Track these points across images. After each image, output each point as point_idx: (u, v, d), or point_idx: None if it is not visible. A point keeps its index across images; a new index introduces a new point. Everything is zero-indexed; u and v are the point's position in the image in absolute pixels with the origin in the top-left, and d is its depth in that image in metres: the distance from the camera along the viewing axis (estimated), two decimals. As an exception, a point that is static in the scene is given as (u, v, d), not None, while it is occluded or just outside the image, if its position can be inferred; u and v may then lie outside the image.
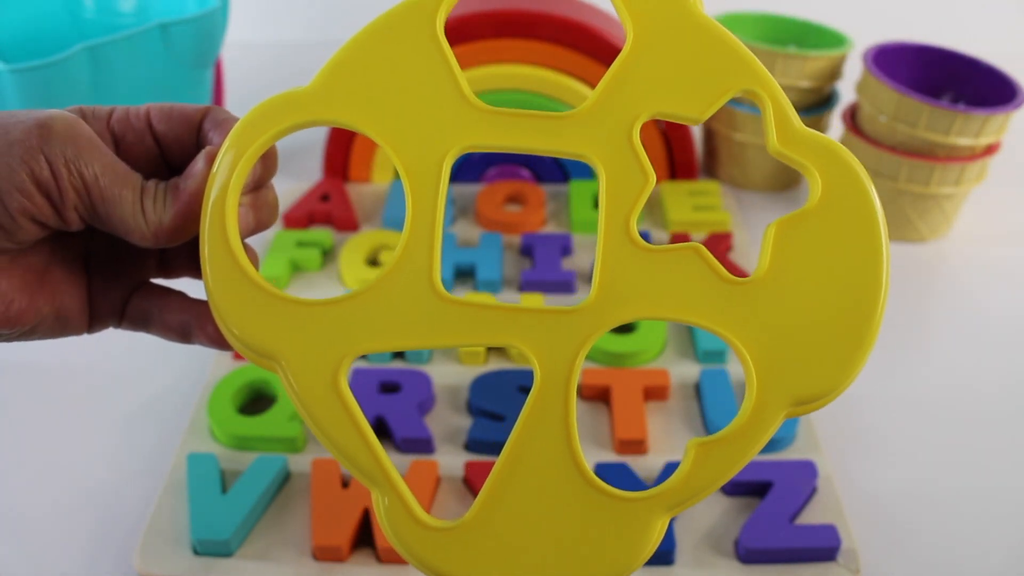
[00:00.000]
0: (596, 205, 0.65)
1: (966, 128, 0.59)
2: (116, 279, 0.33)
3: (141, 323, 0.33)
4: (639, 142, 0.30)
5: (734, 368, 0.51)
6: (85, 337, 0.33)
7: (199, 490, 0.42)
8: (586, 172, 0.66)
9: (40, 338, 0.31)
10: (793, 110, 0.30)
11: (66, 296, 0.31)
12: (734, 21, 0.72)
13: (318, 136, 0.73)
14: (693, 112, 0.30)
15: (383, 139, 0.30)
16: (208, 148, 0.30)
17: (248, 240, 0.32)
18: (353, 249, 0.59)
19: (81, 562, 0.41)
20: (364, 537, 0.41)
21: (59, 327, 0.31)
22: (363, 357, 0.52)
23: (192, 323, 0.32)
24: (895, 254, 0.64)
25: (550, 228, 0.63)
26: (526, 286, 0.57)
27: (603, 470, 0.44)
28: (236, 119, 0.31)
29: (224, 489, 0.43)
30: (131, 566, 0.41)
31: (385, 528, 0.29)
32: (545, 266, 0.58)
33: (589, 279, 0.58)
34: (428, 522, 0.29)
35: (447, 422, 0.47)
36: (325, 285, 0.58)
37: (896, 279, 0.62)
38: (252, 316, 0.29)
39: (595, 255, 0.30)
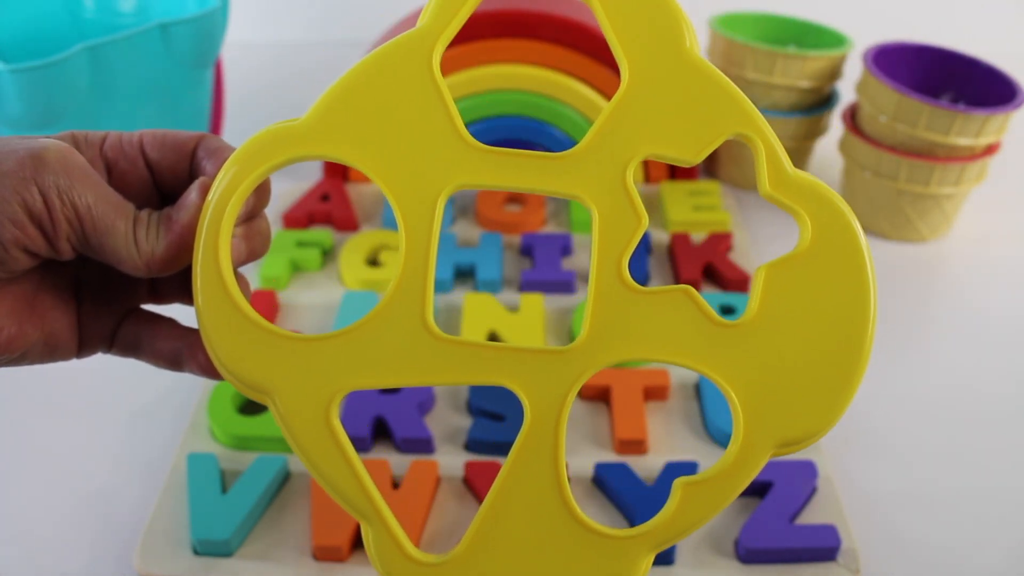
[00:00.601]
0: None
1: (966, 128, 0.59)
2: (106, 305, 0.33)
3: (131, 349, 0.33)
4: (633, 184, 0.30)
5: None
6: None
7: (199, 490, 0.42)
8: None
9: (28, 363, 0.31)
10: (785, 154, 0.31)
11: (55, 323, 0.31)
12: (734, 21, 0.72)
13: (318, 136, 0.73)
14: (687, 155, 0.30)
15: (377, 176, 0.30)
16: (202, 179, 0.30)
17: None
18: (353, 249, 0.59)
19: (81, 562, 0.41)
20: (364, 538, 0.41)
21: (48, 353, 0.31)
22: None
23: (183, 351, 0.32)
24: (895, 254, 0.64)
25: (550, 228, 0.63)
26: (526, 286, 0.57)
27: (603, 470, 0.44)
28: (230, 148, 0.31)
29: (224, 489, 0.43)
30: (131, 566, 0.41)
31: (374, 561, 0.30)
32: (545, 266, 0.58)
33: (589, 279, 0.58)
34: (417, 556, 0.30)
35: (447, 422, 0.47)
36: (325, 285, 0.58)
37: (896, 279, 0.63)
38: (244, 350, 0.30)
39: (588, 294, 0.31)
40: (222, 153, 0.31)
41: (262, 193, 0.32)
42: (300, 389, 0.30)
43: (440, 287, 0.57)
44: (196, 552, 0.40)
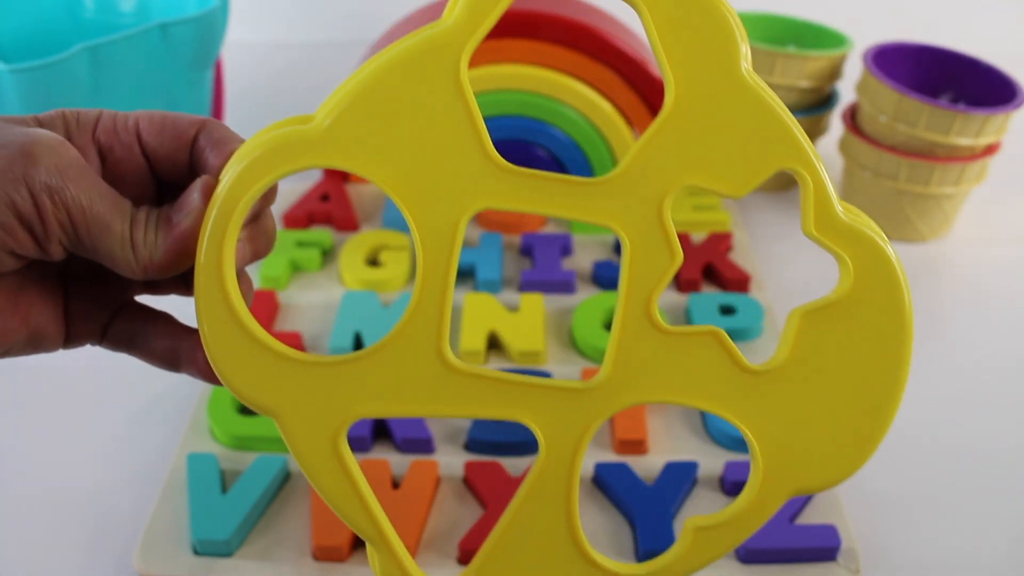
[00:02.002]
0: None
1: (966, 128, 0.59)
2: (97, 298, 0.31)
3: (124, 345, 0.31)
4: (669, 218, 0.28)
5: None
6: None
7: (199, 490, 0.42)
8: (586, 172, 0.66)
9: (12, 356, 0.29)
10: (834, 194, 0.28)
11: (41, 316, 0.29)
12: (734, 21, 0.72)
13: (318, 136, 0.73)
14: (729, 189, 0.28)
15: (396, 192, 0.28)
16: (205, 179, 0.28)
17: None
18: (353, 249, 0.59)
19: (81, 562, 0.41)
20: (364, 537, 0.41)
21: (32, 346, 0.29)
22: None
23: (181, 352, 0.30)
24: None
25: (550, 228, 0.63)
26: (526, 286, 0.57)
27: (603, 470, 0.44)
28: (235, 138, 0.29)
29: (224, 489, 0.43)
30: (131, 566, 0.41)
31: None
32: (545, 266, 0.58)
33: (589, 279, 0.58)
34: None
35: (447, 422, 0.47)
36: (325, 285, 0.58)
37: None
38: (251, 369, 0.29)
39: (612, 330, 0.29)
40: (226, 144, 0.29)
41: (268, 194, 0.30)
42: (309, 413, 0.29)
43: (440, 287, 0.57)
44: (196, 552, 0.40)
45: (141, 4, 0.69)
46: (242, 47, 0.86)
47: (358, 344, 0.52)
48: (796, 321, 0.29)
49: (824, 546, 0.40)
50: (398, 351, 0.29)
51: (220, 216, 0.27)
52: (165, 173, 0.30)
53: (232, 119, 0.74)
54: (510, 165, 0.28)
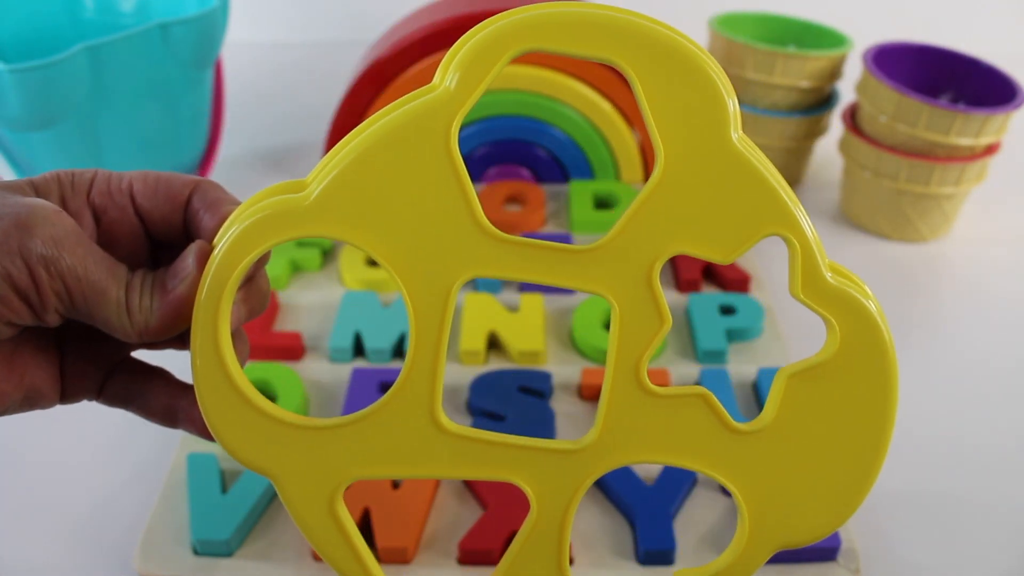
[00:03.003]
0: (596, 206, 0.65)
1: (966, 128, 0.59)
2: (93, 357, 0.31)
3: (120, 402, 0.31)
4: (658, 284, 0.29)
5: (734, 368, 0.51)
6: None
7: (199, 490, 0.42)
8: (586, 172, 0.66)
9: (8, 415, 0.29)
10: (822, 257, 0.29)
11: (35, 378, 0.29)
12: (734, 21, 0.72)
13: (318, 135, 0.73)
14: (719, 254, 0.28)
15: (388, 261, 0.28)
16: (199, 244, 0.28)
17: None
18: (353, 249, 0.59)
19: (81, 562, 0.41)
20: (364, 537, 0.41)
21: (28, 404, 0.29)
22: (363, 356, 0.52)
23: (179, 410, 0.31)
24: (895, 254, 0.64)
25: (550, 228, 0.63)
26: (526, 286, 0.57)
27: (603, 470, 0.44)
28: (229, 200, 0.30)
29: (224, 489, 0.43)
30: (131, 566, 0.41)
31: None
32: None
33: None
34: None
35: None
36: (325, 286, 0.58)
37: (896, 279, 0.63)
38: (247, 434, 0.29)
39: (602, 393, 0.30)
40: (220, 206, 0.29)
41: (262, 256, 0.30)
42: (305, 476, 0.30)
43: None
44: (196, 552, 0.40)
45: (141, 4, 0.69)
46: (242, 47, 0.86)
47: (358, 344, 0.52)
48: (783, 382, 0.30)
49: (824, 546, 0.40)
50: (392, 416, 0.30)
51: (215, 284, 0.28)
52: (159, 233, 0.30)
53: (232, 119, 0.74)
54: (501, 234, 0.28)
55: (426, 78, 0.62)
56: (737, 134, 0.28)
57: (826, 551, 0.40)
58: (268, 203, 0.28)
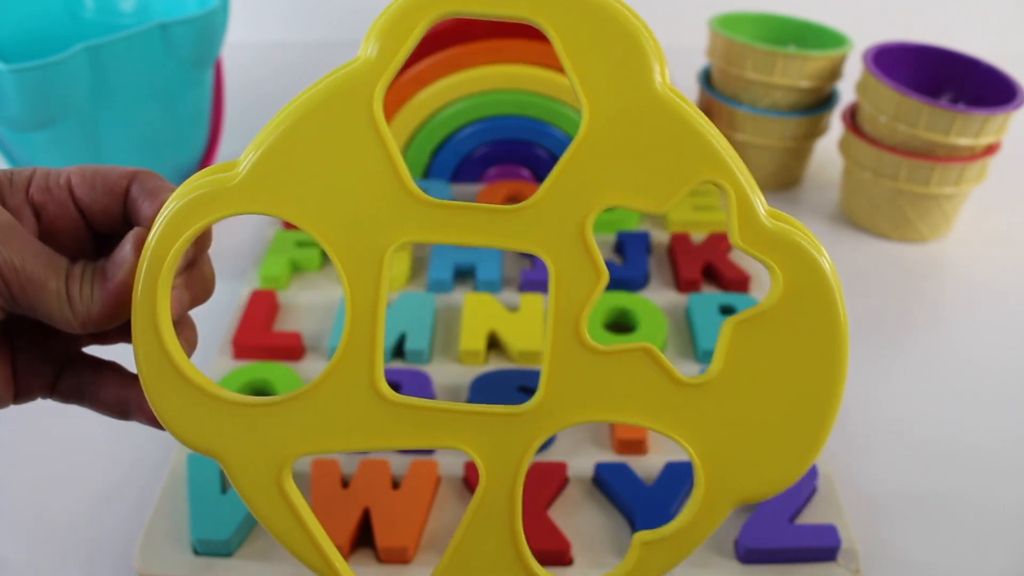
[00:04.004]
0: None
1: (966, 128, 0.59)
2: (44, 352, 0.31)
3: (74, 397, 0.31)
4: (592, 237, 0.28)
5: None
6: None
7: (199, 490, 0.42)
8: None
9: None
10: (759, 200, 0.28)
11: None
12: (734, 21, 0.72)
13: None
14: (651, 204, 0.28)
15: (318, 233, 0.28)
16: (136, 231, 0.29)
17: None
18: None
19: (81, 562, 0.41)
20: (364, 537, 0.41)
21: None
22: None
23: (131, 401, 0.31)
24: (895, 254, 0.64)
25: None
26: (526, 286, 0.57)
27: (603, 470, 0.44)
28: (167, 187, 0.30)
29: (224, 489, 0.43)
30: (131, 566, 0.41)
31: None
32: (545, 266, 0.58)
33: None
34: None
35: (447, 422, 0.47)
36: (325, 285, 0.58)
37: (896, 279, 0.63)
38: (190, 415, 0.29)
39: (543, 353, 0.29)
40: (158, 194, 0.29)
41: (202, 240, 0.30)
42: (250, 455, 0.30)
43: (440, 287, 0.57)
44: (196, 552, 0.40)
45: (141, 4, 0.69)
46: (242, 47, 0.86)
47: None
48: (729, 331, 0.29)
49: (824, 546, 0.40)
50: (333, 388, 0.29)
51: (151, 267, 0.28)
52: (100, 226, 0.31)
53: (231, 119, 0.74)
54: (429, 198, 0.28)
55: (426, 78, 0.62)
56: (662, 82, 0.27)
57: (826, 551, 0.40)
58: (198, 183, 0.28)
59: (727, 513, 0.30)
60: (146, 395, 0.29)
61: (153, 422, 0.31)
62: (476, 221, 0.28)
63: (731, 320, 0.29)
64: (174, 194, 0.29)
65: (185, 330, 0.31)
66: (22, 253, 0.27)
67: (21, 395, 0.31)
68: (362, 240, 0.28)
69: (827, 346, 0.29)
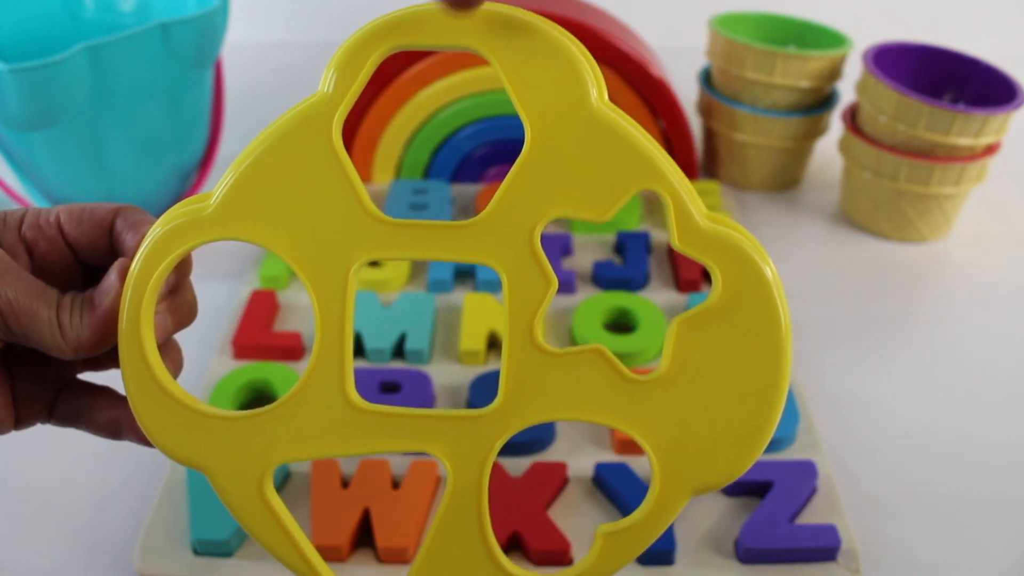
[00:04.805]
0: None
1: (966, 128, 0.59)
2: (41, 379, 0.33)
3: (70, 420, 0.33)
4: (540, 247, 0.30)
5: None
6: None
7: (199, 490, 0.42)
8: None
9: None
10: (696, 204, 0.30)
11: None
12: (734, 21, 0.72)
13: (318, 136, 0.73)
14: (594, 214, 0.30)
15: (287, 255, 0.30)
16: (120, 261, 0.31)
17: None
18: (353, 249, 0.59)
19: (81, 562, 0.41)
20: (364, 537, 0.41)
21: None
22: (363, 356, 0.52)
23: (122, 421, 0.33)
24: (895, 254, 0.64)
25: (550, 228, 0.63)
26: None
27: (603, 470, 0.44)
28: (149, 220, 0.32)
29: (224, 489, 0.43)
30: (131, 566, 0.41)
31: None
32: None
33: (589, 279, 0.58)
34: None
35: (447, 422, 0.47)
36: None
37: (896, 279, 0.63)
38: (175, 430, 0.31)
39: (502, 358, 0.31)
40: (141, 227, 0.32)
41: (183, 267, 0.32)
42: (232, 465, 0.31)
43: (440, 287, 0.57)
44: (196, 552, 0.40)
45: (141, 4, 0.69)
46: (242, 47, 0.86)
47: (358, 344, 0.52)
48: (674, 329, 0.31)
49: (824, 546, 0.40)
50: (307, 399, 0.31)
51: (135, 293, 0.30)
52: (89, 259, 0.33)
53: (231, 119, 0.74)
54: (387, 218, 0.30)
55: (426, 78, 0.62)
56: (597, 99, 0.29)
57: (826, 551, 0.40)
58: (175, 214, 0.30)
59: (684, 503, 0.32)
60: (134, 413, 0.31)
61: (142, 440, 0.32)
62: (432, 237, 0.30)
63: (676, 319, 0.31)
64: (154, 225, 0.31)
65: (171, 352, 0.33)
66: (15, 287, 0.29)
67: (21, 420, 0.33)
68: (328, 260, 0.31)
69: (768, 341, 0.30)
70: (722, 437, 0.31)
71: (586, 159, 0.29)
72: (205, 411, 0.31)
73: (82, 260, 0.33)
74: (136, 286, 0.30)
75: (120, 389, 0.33)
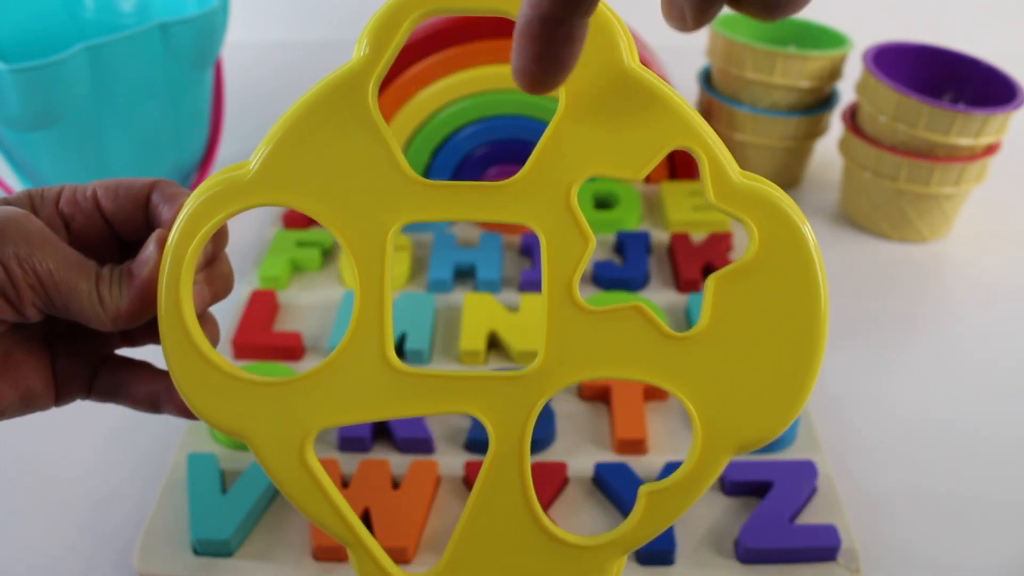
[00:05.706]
0: (596, 206, 0.65)
1: (966, 128, 0.59)
2: (80, 355, 0.33)
3: (110, 395, 0.34)
4: (577, 206, 0.30)
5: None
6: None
7: (199, 490, 0.42)
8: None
9: (6, 418, 0.31)
10: (729, 161, 0.30)
11: (30, 379, 0.31)
12: (734, 21, 0.72)
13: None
14: (629, 172, 0.30)
15: (325, 220, 0.30)
16: (158, 232, 0.31)
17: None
18: (353, 249, 0.59)
19: (81, 562, 0.41)
20: (364, 537, 0.41)
21: (25, 406, 0.32)
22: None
23: (160, 394, 0.33)
24: (895, 254, 0.64)
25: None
26: (526, 286, 0.57)
27: (603, 470, 0.44)
28: (184, 192, 0.32)
29: (224, 489, 0.43)
30: (131, 566, 0.41)
31: None
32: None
33: (589, 279, 0.58)
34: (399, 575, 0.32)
35: (447, 422, 0.47)
36: (325, 285, 0.58)
37: (896, 279, 0.63)
38: (216, 398, 0.31)
39: (542, 317, 0.31)
40: (177, 199, 0.32)
41: (219, 238, 0.32)
42: (273, 432, 0.31)
43: (440, 287, 0.57)
44: (196, 552, 0.40)
45: (141, 4, 0.69)
46: (242, 47, 0.86)
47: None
48: (712, 286, 0.31)
49: (824, 546, 0.40)
50: (348, 362, 0.31)
51: (173, 262, 0.30)
52: (125, 233, 0.33)
53: (232, 119, 0.74)
54: (425, 180, 0.30)
55: (426, 78, 0.62)
56: (629, 59, 0.29)
57: (826, 551, 0.40)
58: (213, 182, 0.30)
59: (726, 461, 0.31)
60: (175, 382, 0.31)
61: (183, 412, 0.33)
62: (468, 198, 0.30)
63: (714, 276, 0.31)
64: (192, 195, 0.31)
65: (208, 325, 0.33)
66: (55, 258, 0.29)
67: (62, 396, 0.33)
68: (367, 223, 0.30)
69: (806, 296, 0.30)
70: (762, 394, 0.31)
71: (620, 118, 0.29)
72: (246, 378, 0.31)
73: (118, 234, 0.33)
74: (175, 256, 0.30)
75: (157, 364, 0.33)
